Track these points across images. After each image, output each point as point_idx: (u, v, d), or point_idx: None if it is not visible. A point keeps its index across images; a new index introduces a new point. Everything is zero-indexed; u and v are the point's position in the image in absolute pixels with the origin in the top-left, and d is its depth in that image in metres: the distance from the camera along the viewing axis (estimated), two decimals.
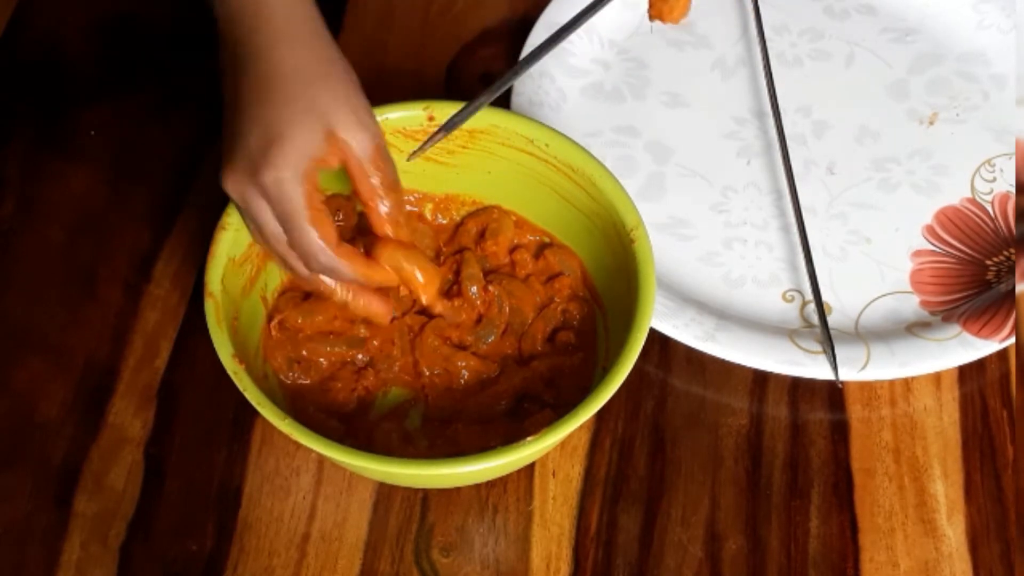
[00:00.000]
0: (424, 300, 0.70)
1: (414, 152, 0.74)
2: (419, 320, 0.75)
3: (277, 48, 0.67)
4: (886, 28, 0.93)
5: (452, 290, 0.76)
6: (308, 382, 0.73)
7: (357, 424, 0.72)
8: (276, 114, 0.65)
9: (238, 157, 0.65)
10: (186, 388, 0.77)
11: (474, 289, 0.75)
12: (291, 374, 0.73)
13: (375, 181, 0.67)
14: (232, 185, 0.66)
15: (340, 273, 0.67)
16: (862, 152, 0.87)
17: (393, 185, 0.68)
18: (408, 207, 0.78)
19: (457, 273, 0.76)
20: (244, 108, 0.66)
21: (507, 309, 0.75)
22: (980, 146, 0.87)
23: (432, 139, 0.74)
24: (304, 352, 0.73)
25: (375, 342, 0.74)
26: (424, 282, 0.70)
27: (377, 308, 0.70)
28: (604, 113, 0.89)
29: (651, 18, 0.72)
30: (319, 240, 0.65)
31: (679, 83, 0.90)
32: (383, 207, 0.68)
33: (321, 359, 0.73)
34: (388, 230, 0.69)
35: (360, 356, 0.74)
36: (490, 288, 0.75)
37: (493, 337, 0.75)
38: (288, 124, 0.65)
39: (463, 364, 0.74)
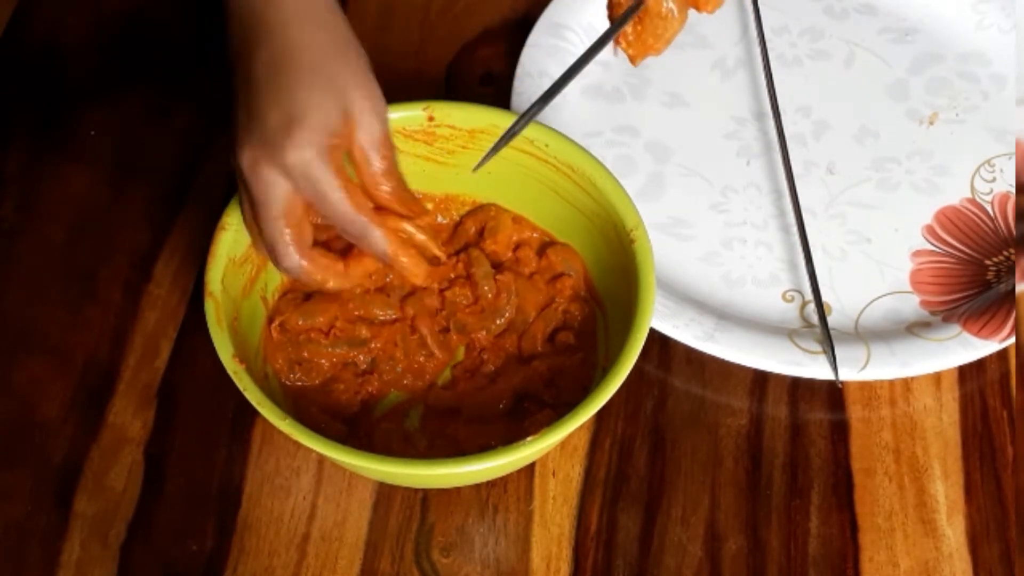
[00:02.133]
0: (416, 281, 0.70)
1: (479, 164, 0.74)
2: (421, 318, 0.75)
3: (293, 25, 0.66)
4: (886, 28, 0.93)
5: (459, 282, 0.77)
6: (310, 384, 0.73)
7: (360, 425, 0.72)
8: (295, 93, 0.65)
9: (255, 135, 0.65)
10: (186, 388, 0.77)
11: (487, 287, 0.75)
12: (292, 376, 0.73)
13: (377, 167, 0.67)
14: (248, 163, 0.65)
15: (375, 243, 0.67)
16: (862, 152, 0.87)
17: (393, 169, 0.68)
18: None
19: (468, 272, 0.76)
20: (259, 86, 0.66)
21: (515, 299, 0.75)
22: (980, 146, 0.87)
23: (495, 149, 0.74)
24: (305, 354, 0.73)
25: (376, 343, 0.74)
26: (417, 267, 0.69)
27: (418, 270, 0.69)
28: (604, 113, 0.89)
29: (699, 8, 0.72)
30: (354, 211, 0.65)
31: (679, 83, 0.90)
32: (385, 189, 0.68)
33: (322, 360, 0.73)
34: (400, 210, 0.69)
35: (361, 357, 0.74)
36: (499, 278, 0.75)
37: (502, 320, 0.74)
38: (307, 102, 0.65)
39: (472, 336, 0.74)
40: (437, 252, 0.71)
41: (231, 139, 0.66)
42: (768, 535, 0.72)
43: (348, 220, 0.66)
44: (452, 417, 0.73)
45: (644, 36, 0.69)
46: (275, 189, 0.65)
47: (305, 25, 0.67)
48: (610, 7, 0.69)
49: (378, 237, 0.67)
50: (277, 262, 0.67)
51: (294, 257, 0.67)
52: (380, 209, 0.68)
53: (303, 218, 0.66)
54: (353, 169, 0.67)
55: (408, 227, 0.69)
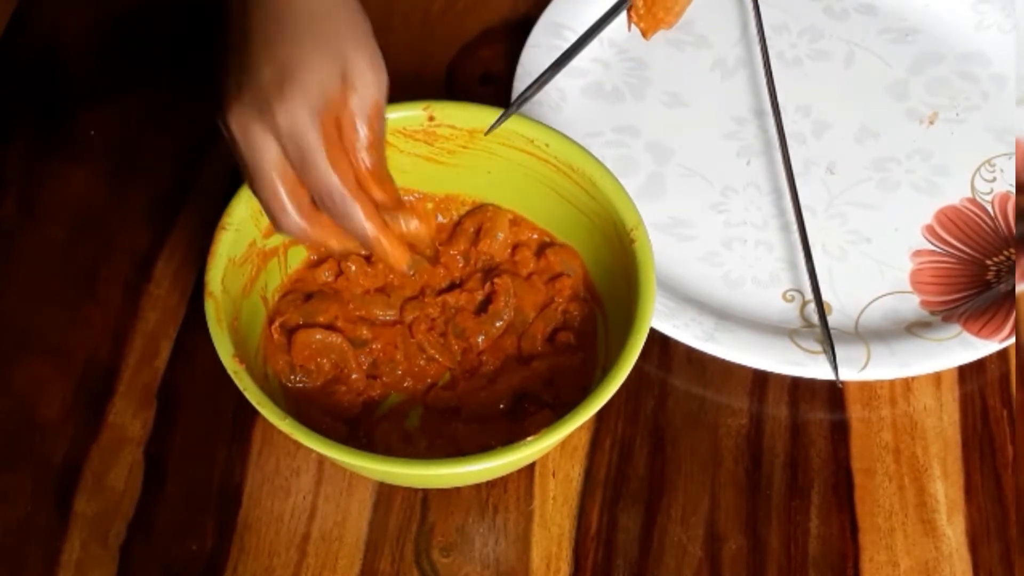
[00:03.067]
0: (396, 267, 0.67)
1: (490, 128, 0.72)
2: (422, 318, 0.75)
3: None
4: (886, 28, 0.93)
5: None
6: (311, 385, 0.73)
7: (360, 426, 0.72)
8: (292, 50, 0.63)
9: (245, 92, 0.62)
10: (186, 388, 0.77)
11: (499, 323, 0.75)
12: (293, 377, 0.73)
13: (363, 136, 0.64)
14: (236, 121, 0.63)
15: (354, 218, 0.64)
16: (862, 152, 0.87)
17: (378, 143, 0.65)
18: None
19: (489, 294, 0.76)
20: (254, 44, 0.63)
21: (513, 301, 0.75)
22: (980, 146, 0.87)
23: (505, 115, 0.72)
24: (306, 355, 0.73)
25: (377, 344, 0.74)
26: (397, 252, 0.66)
27: (398, 254, 0.66)
28: (604, 113, 0.89)
29: (640, 25, 0.72)
30: (337, 180, 0.63)
31: (679, 83, 0.90)
32: (365, 161, 0.65)
33: (323, 360, 0.73)
34: (373, 188, 0.65)
35: (362, 358, 0.74)
36: (496, 280, 0.75)
37: (500, 324, 0.74)
38: (304, 59, 0.62)
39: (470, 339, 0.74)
40: (428, 248, 0.69)
41: (219, 98, 0.64)
42: (768, 535, 0.72)
43: (329, 188, 0.63)
44: (452, 417, 0.73)
45: (655, 9, 0.69)
46: (267, 151, 0.63)
47: None
48: None
49: (358, 213, 0.64)
50: (277, 225, 0.65)
51: (293, 218, 0.64)
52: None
53: (298, 178, 0.64)
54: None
55: (397, 217, 0.66)
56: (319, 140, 0.62)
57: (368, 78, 0.64)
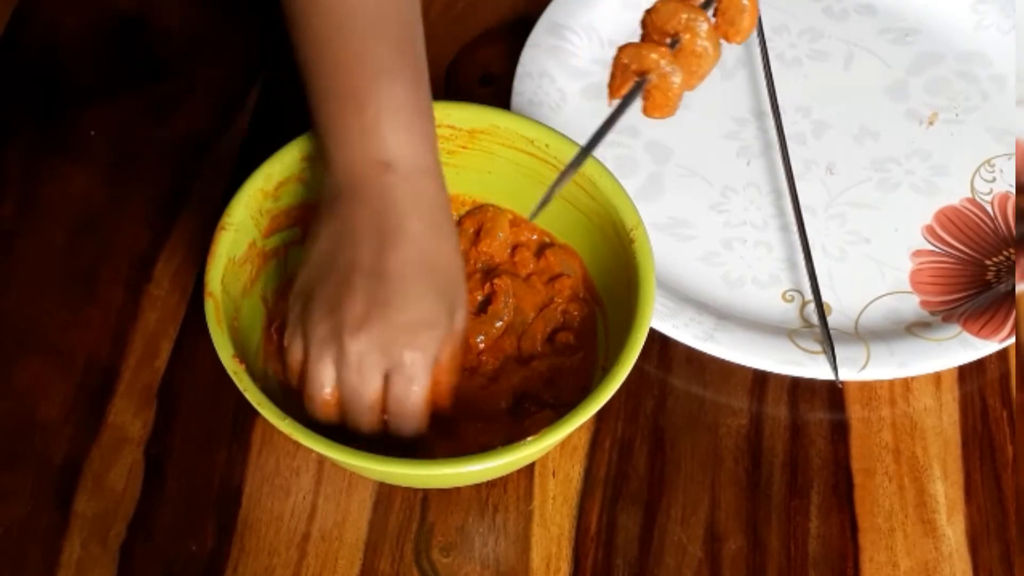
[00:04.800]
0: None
1: (536, 210, 0.70)
2: None
3: (433, 237, 0.68)
4: (885, 28, 0.93)
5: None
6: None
7: None
8: (434, 305, 0.67)
9: (374, 321, 0.66)
10: (186, 388, 0.77)
11: (499, 324, 0.75)
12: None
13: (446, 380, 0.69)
14: (357, 349, 0.66)
15: (408, 433, 0.69)
16: (862, 152, 0.87)
17: (448, 397, 0.70)
18: None
19: (488, 295, 0.76)
20: (393, 283, 0.66)
21: (512, 302, 0.75)
22: (980, 146, 0.87)
23: (555, 188, 0.68)
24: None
25: None
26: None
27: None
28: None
29: (728, 40, 0.70)
30: (423, 417, 0.68)
31: None
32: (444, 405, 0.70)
33: None
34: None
35: None
36: (496, 281, 0.75)
37: (500, 324, 0.74)
38: (437, 315, 0.67)
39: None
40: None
41: (306, 322, 0.67)
42: (768, 535, 0.72)
43: (418, 416, 0.68)
44: (453, 415, 0.73)
45: (684, 76, 0.68)
46: (373, 379, 0.66)
47: (444, 240, 0.69)
48: (611, 88, 0.68)
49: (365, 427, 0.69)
50: (358, 429, 0.68)
51: (375, 424, 0.69)
52: None
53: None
54: None
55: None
56: (428, 374, 0.68)
57: (461, 332, 0.69)
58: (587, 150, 0.65)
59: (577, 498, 0.73)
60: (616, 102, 0.66)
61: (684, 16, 0.65)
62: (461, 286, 0.69)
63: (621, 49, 0.66)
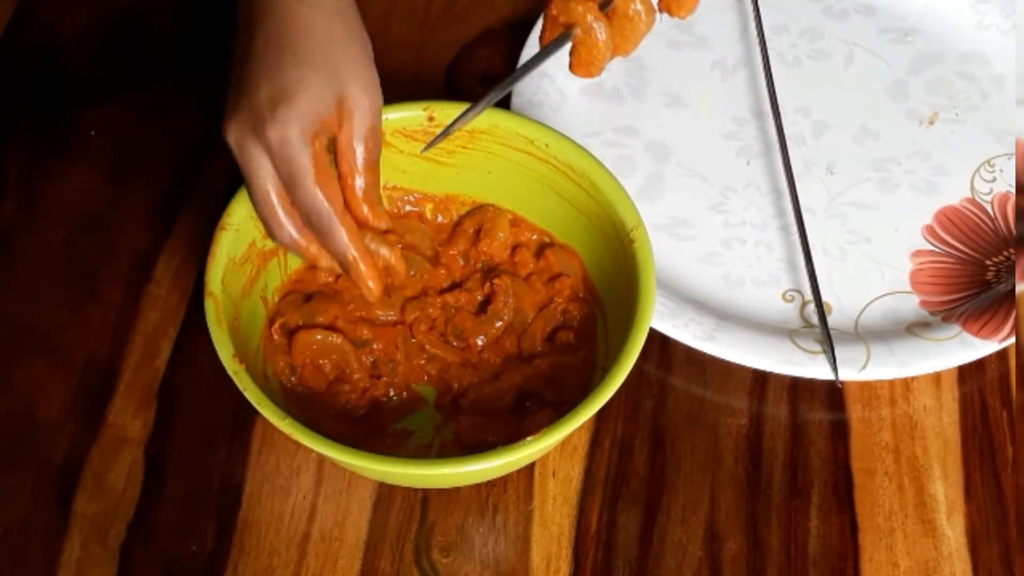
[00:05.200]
0: (368, 295, 0.69)
1: (426, 147, 0.74)
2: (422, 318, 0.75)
3: (297, 5, 0.66)
4: (885, 28, 0.93)
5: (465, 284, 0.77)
6: (314, 386, 0.73)
7: (373, 426, 0.72)
8: (290, 71, 0.65)
9: (243, 108, 0.65)
10: (186, 388, 0.77)
11: (499, 324, 0.75)
12: (293, 379, 0.73)
13: (360, 158, 0.66)
14: (234, 136, 0.65)
15: (337, 239, 0.66)
16: (862, 152, 0.87)
17: (373, 165, 0.67)
18: (408, 207, 0.78)
19: (488, 294, 0.76)
20: (255, 62, 0.66)
21: (512, 301, 0.75)
22: (980, 146, 0.87)
23: (438, 138, 0.73)
24: (307, 355, 0.73)
25: (378, 345, 0.74)
26: (374, 281, 0.69)
27: (370, 284, 0.68)
28: (604, 113, 0.89)
29: (660, 9, 0.70)
30: (323, 200, 0.65)
31: (679, 83, 0.90)
32: (359, 184, 0.67)
33: (324, 362, 0.73)
34: (364, 210, 0.68)
35: (363, 358, 0.74)
36: (496, 281, 0.75)
37: (500, 324, 0.74)
38: (300, 82, 0.65)
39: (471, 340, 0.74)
40: (400, 276, 0.71)
41: (223, 114, 0.66)
42: (768, 535, 0.72)
43: (315, 208, 0.65)
44: (456, 410, 0.73)
45: (613, 35, 0.68)
46: (261, 167, 0.65)
47: (314, 7, 0.66)
48: (543, 32, 0.68)
49: (342, 235, 0.66)
50: (272, 236, 0.67)
51: (288, 231, 0.67)
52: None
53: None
54: (333, 159, 0.67)
55: (378, 245, 0.68)
56: (308, 160, 0.65)
57: (364, 104, 0.66)
58: (494, 94, 0.67)
59: (577, 498, 0.73)
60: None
61: None
62: (353, 60, 0.67)
63: (551, 1, 0.67)
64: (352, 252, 0.67)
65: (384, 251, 0.69)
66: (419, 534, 0.72)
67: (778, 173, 0.85)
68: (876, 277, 0.82)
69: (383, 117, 0.73)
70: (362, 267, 0.68)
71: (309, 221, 0.66)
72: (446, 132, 0.72)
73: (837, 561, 0.72)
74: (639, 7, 0.66)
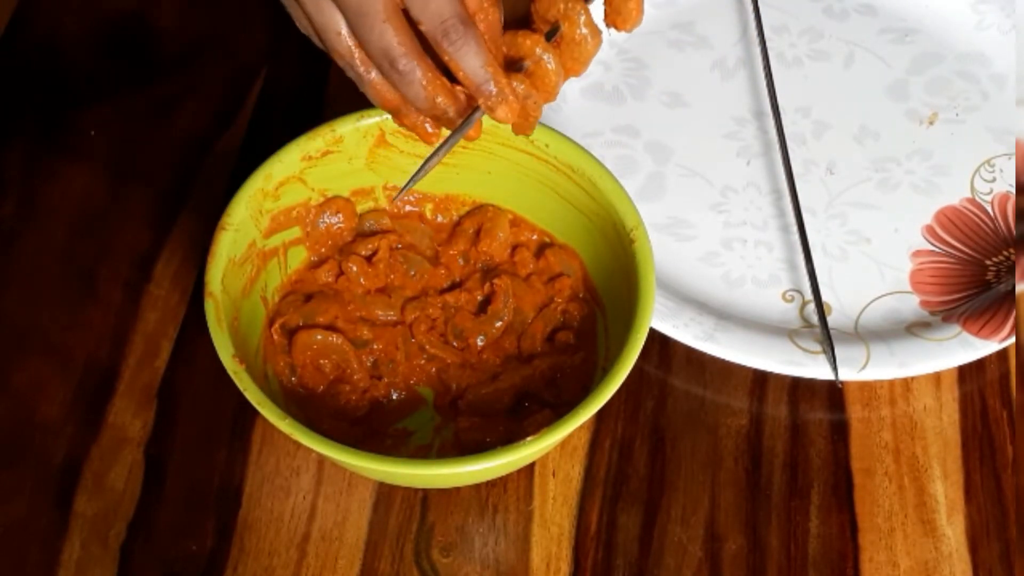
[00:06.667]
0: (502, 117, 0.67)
1: (397, 195, 0.75)
2: (422, 319, 0.75)
3: None
4: (886, 28, 0.93)
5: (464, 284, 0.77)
6: (314, 387, 0.73)
7: (373, 426, 0.72)
8: None
9: None
10: (186, 388, 0.77)
11: (499, 324, 0.75)
12: (293, 379, 0.73)
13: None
14: None
15: (411, 79, 0.63)
16: (862, 152, 0.87)
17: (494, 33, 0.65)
18: (408, 207, 0.78)
19: (488, 294, 0.76)
20: None
21: (512, 302, 0.75)
22: (980, 146, 0.87)
23: (407, 186, 0.71)
24: (307, 356, 0.73)
25: (378, 345, 0.74)
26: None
27: (511, 105, 0.66)
28: (604, 113, 0.89)
29: (607, 24, 0.72)
30: (395, 39, 0.62)
31: (679, 83, 0.90)
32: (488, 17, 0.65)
33: (325, 362, 0.73)
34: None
35: (363, 358, 0.74)
36: (495, 281, 0.75)
37: (500, 324, 0.74)
38: None
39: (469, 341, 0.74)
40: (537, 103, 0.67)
41: None
42: (768, 535, 0.72)
43: (387, 47, 0.61)
44: (455, 411, 0.73)
45: (564, 60, 0.70)
46: (324, 5, 0.62)
47: None
48: None
49: (417, 73, 0.62)
50: (394, 73, 0.63)
51: (413, 67, 0.63)
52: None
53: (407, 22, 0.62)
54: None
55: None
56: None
57: None
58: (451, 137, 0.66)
59: (577, 498, 0.73)
60: None
61: (562, 6, 0.68)
62: None
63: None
64: (488, 69, 0.64)
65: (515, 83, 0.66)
66: (419, 534, 0.72)
67: (778, 173, 0.85)
68: (876, 277, 0.82)
69: (384, 117, 0.73)
70: (503, 82, 0.65)
71: (380, 64, 0.63)
72: (411, 182, 0.70)
73: (837, 561, 0.72)
74: (584, 31, 0.68)
